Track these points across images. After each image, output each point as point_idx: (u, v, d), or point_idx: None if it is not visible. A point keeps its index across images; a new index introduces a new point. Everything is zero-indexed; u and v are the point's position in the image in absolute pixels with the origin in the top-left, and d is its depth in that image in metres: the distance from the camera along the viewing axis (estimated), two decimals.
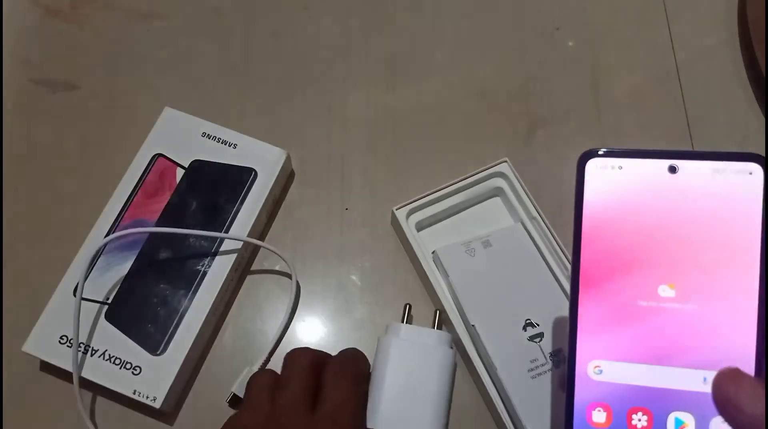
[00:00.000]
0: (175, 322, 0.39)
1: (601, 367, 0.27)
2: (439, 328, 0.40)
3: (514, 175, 0.43)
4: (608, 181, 0.27)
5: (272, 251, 0.41)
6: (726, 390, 0.24)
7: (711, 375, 0.25)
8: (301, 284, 0.43)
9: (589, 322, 0.27)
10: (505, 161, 0.43)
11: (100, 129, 0.48)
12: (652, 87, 0.49)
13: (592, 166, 0.27)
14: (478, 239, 0.41)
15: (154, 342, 0.39)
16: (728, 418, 0.24)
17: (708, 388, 0.25)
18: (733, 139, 0.47)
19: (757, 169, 0.26)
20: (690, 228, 0.26)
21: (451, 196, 0.43)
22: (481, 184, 0.43)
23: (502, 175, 0.43)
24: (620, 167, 0.27)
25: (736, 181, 0.26)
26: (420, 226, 0.43)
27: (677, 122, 0.48)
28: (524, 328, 0.39)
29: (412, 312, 0.41)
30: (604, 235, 0.27)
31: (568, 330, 0.27)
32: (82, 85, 0.49)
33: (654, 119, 0.48)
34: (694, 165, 0.27)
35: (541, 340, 0.38)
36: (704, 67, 0.50)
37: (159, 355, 0.39)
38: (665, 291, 0.26)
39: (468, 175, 0.43)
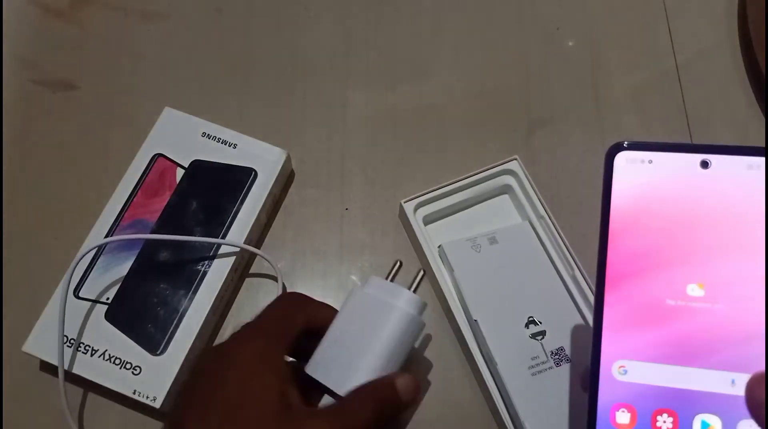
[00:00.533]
0: (175, 322, 0.39)
1: (626, 368, 0.26)
2: (415, 290, 0.35)
3: (524, 172, 0.43)
4: (637, 175, 0.26)
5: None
6: (760, 394, 0.24)
7: (739, 377, 0.25)
8: (300, 284, 0.43)
9: (615, 320, 0.26)
10: (515, 159, 0.43)
11: (100, 129, 0.48)
12: (652, 87, 0.49)
13: (621, 159, 0.26)
14: (484, 235, 0.41)
15: (154, 342, 0.39)
16: (762, 423, 0.24)
17: (736, 391, 0.25)
18: (733, 139, 0.47)
19: None
20: (721, 225, 0.25)
21: (459, 191, 0.43)
22: (490, 181, 0.44)
23: (511, 172, 0.43)
24: (650, 161, 0.26)
25: None
26: (427, 221, 0.43)
27: (677, 122, 0.48)
28: (526, 326, 0.39)
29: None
30: (632, 232, 0.26)
31: (592, 328, 0.26)
32: (82, 85, 0.49)
33: (654, 119, 0.48)
34: (728, 160, 0.26)
35: (543, 338, 0.38)
36: (704, 67, 0.50)
37: (159, 355, 0.38)
38: (694, 290, 0.26)
39: (477, 171, 0.43)
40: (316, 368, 0.32)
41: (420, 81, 0.49)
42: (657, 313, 0.26)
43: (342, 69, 0.50)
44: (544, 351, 0.38)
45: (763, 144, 0.47)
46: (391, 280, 0.36)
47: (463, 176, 0.43)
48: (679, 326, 0.26)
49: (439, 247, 0.42)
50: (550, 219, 0.42)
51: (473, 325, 0.39)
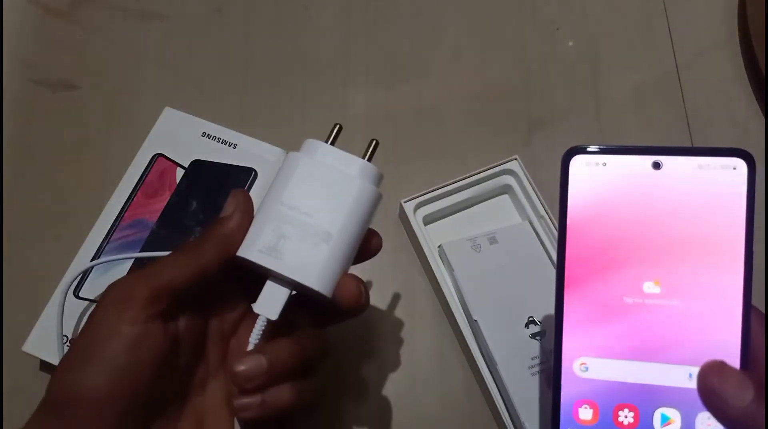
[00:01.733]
0: None
1: (587, 364, 0.27)
2: (370, 160, 0.31)
3: (524, 172, 0.43)
4: (592, 177, 0.27)
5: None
6: (711, 382, 0.25)
7: (696, 371, 0.25)
8: None
9: (575, 319, 0.27)
10: (515, 159, 0.43)
11: (100, 129, 0.48)
12: (652, 87, 0.49)
13: (577, 162, 0.27)
14: (484, 235, 0.41)
15: None
16: (714, 411, 0.24)
17: (693, 384, 0.25)
18: (733, 139, 0.47)
19: (740, 164, 0.26)
20: (675, 224, 0.26)
21: (459, 191, 0.43)
22: (490, 181, 0.44)
23: (511, 172, 0.43)
24: (604, 164, 0.27)
25: (720, 176, 0.26)
26: (427, 221, 0.43)
27: (677, 122, 0.48)
28: (526, 326, 0.39)
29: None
30: (588, 232, 0.27)
31: (554, 328, 0.27)
32: (82, 85, 0.49)
33: (654, 119, 0.48)
34: (679, 161, 0.26)
35: (542, 338, 0.38)
36: (704, 67, 0.50)
37: None
38: (650, 287, 0.26)
39: (477, 171, 0.43)
40: (262, 255, 0.27)
41: (420, 81, 0.49)
42: (615, 310, 0.26)
43: (342, 69, 0.50)
44: (544, 351, 0.38)
45: (763, 144, 0.47)
46: (332, 145, 0.31)
47: (463, 176, 0.43)
48: (638, 323, 0.26)
49: (439, 247, 0.42)
50: (550, 219, 0.42)
51: (473, 325, 0.39)
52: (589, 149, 0.27)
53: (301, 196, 0.28)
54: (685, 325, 0.26)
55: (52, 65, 0.50)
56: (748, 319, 0.25)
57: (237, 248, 0.28)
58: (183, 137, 0.44)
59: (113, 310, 0.26)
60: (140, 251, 0.41)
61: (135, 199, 0.43)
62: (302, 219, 0.28)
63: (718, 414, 0.24)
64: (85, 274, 0.41)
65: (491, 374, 0.38)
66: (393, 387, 0.41)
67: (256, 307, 0.28)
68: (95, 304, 0.28)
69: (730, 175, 0.26)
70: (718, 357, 0.25)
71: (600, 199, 0.27)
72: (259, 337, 0.28)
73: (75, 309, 0.40)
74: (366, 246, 0.30)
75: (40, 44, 0.50)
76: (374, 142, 0.31)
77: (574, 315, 0.27)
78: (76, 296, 0.40)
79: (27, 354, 0.39)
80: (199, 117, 0.45)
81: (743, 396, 0.23)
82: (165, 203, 0.42)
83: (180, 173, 0.43)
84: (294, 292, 0.29)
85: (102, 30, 0.51)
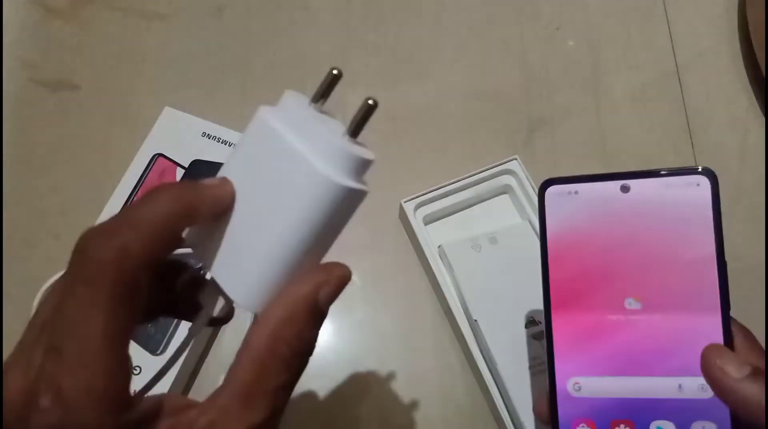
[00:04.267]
0: (175, 322, 0.39)
1: (580, 384, 0.28)
2: (356, 134, 0.21)
3: (524, 172, 0.43)
4: (567, 206, 0.29)
5: None
6: (713, 358, 0.26)
7: (685, 381, 0.26)
8: None
9: (565, 341, 0.28)
10: (515, 159, 0.43)
11: (100, 129, 0.48)
12: (652, 87, 0.49)
13: (551, 193, 0.29)
14: (484, 235, 0.41)
15: (154, 342, 0.39)
16: (713, 381, 0.25)
17: (684, 394, 0.26)
18: (734, 139, 0.47)
19: (703, 181, 0.27)
20: (648, 241, 0.27)
21: (459, 191, 0.43)
22: (490, 181, 0.44)
23: (511, 172, 0.44)
24: (576, 192, 0.29)
25: (685, 194, 0.27)
26: (427, 221, 0.43)
27: (677, 122, 0.48)
28: (526, 326, 0.39)
29: None
30: (569, 257, 0.28)
31: (545, 351, 0.28)
32: (82, 85, 0.49)
33: (654, 119, 0.48)
34: (645, 183, 0.28)
35: (542, 338, 0.38)
36: (704, 67, 0.50)
37: (159, 355, 0.38)
38: (632, 304, 0.27)
39: (477, 171, 0.43)
40: (213, 263, 0.21)
41: (420, 81, 0.49)
42: (602, 329, 0.28)
43: (342, 69, 0.50)
44: (544, 351, 0.38)
45: (763, 144, 0.47)
46: (321, 102, 0.22)
47: (463, 176, 0.43)
48: (624, 339, 0.27)
49: (439, 247, 0.42)
50: None
51: (473, 325, 0.39)
52: (559, 179, 0.29)
53: (242, 180, 0.21)
54: (669, 336, 0.27)
55: (52, 65, 0.50)
56: (728, 323, 0.26)
57: (228, 210, 0.21)
58: (183, 137, 0.44)
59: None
60: None
61: (135, 198, 0.43)
62: (239, 209, 0.21)
63: (717, 384, 0.25)
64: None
65: (491, 374, 0.38)
66: (393, 387, 0.41)
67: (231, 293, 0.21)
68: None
69: (694, 192, 0.27)
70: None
71: (576, 225, 0.28)
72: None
73: None
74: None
75: (40, 44, 0.50)
76: (369, 102, 0.21)
77: (563, 337, 0.28)
78: None
79: None
80: (199, 117, 0.45)
81: (741, 370, 0.25)
82: None
83: (180, 173, 0.43)
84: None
85: (102, 30, 0.51)
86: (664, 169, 0.28)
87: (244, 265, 0.21)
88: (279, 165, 0.20)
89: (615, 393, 0.27)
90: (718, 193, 0.27)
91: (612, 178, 0.28)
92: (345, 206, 0.21)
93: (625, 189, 0.28)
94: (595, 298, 0.28)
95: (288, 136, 0.20)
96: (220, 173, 0.22)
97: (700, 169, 0.27)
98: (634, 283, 0.27)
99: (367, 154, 0.21)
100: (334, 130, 0.21)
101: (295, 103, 0.22)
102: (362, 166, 0.21)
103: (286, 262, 0.20)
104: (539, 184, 0.29)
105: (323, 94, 0.22)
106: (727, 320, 0.26)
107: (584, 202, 0.28)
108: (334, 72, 0.22)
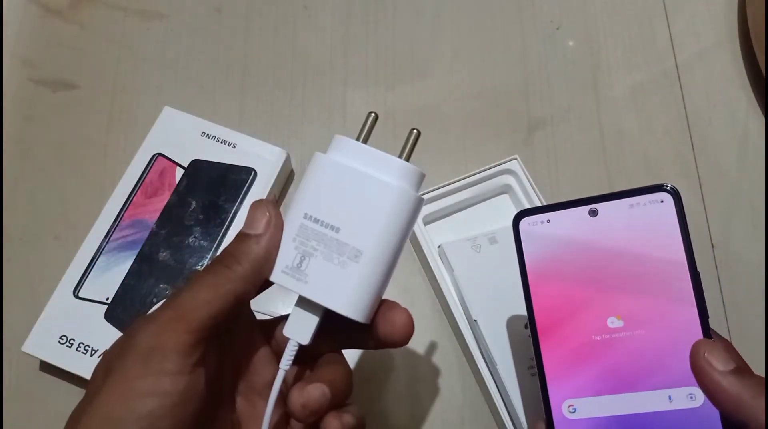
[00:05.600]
0: None
1: (574, 406, 0.28)
2: (408, 158, 0.27)
3: (524, 172, 0.43)
4: (541, 235, 0.30)
5: None
6: (701, 351, 0.26)
7: (675, 392, 0.27)
8: None
9: (555, 365, 0.29)
10: (515, 159, 0.43)
11: (100, 129, 0.48)
12: (652, 87, 0.49)
13: (525, 224, 0.30)
14: (484, 235, 0.41)
15: None
16: (700, 374, 0.26)
17: (675, 405, 0.27)
18: (733, 139, 0.47)
19: (666, 197, 0.28)
20: (621, 261, 0.28)
21: (459, 191, 0.43)
22: (490, 181, 0.44)
23: (511, 172, 0.43)
24: (548, 221, 0.30)
25: (651, 211, 0.28)
26: (427, 221, 0.43)
27: (677, 122, 0.48)
28: (526, 326, 0.39)
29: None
30: (549, 284, 0.29)
31: (538, 377, 0.29)
32: (82, 85, 0.49)
33: (654, 119, 0.48)
34: (611, 205, 0.29)
35: None
36: (704, 66, 0.50)
37: None
38: (614, 322, 0.28)
39: (477, 171, 0.43)
40: (284, 274, 0.25)
41: (420, 81, 0.49)
42: (588, 349, 0.28)
43: (342, 69, 0.50)
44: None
45: (763, 144, 0.47)
46: (365, 141, 0.27)
47: (463, 176, 0.43)
48: (611, 357, 0.28)
49: (439, 247, 0.42)
50: None
51: (473, 325, 0.39)
52: (532, 211, 0.30)
53: (327, 207, 0.25)
54: (654, 351, 0.28)
55: (52, 65, 0.50)
56: (708, 332, 0.27)
57: (272, 269, 0.25)
58: (182, 137, 0.44)
59: (146, 363, 0.22)
60: (139, 250, 0.41)
61: (134, 198, 0.43)
62: (328, 234, 0.25)
63: (701, 374, 0.26)
64: (84, 273, 0.41)
65: (491, 374, 0.38)
66: (393, 387, 0.41)
67: (286, 330, 0.26)
68: (109, 353, 0.24)
69: (659, 209, 0.28)
70: (689, 372, 0.27)
71: (552, 252, 0.29)
72: (290, 362, 0.26)
73: (75, 309, 0.40)
74: (384, 324, 0.26)
75: (40, 44, 0.50)
76: (414, 132, 0.27)
77: (553, 362, 0.29)
78: (76, 296, 0.40)
79: (27, 354, 0.39)
80: (198, 117, 0.45)
81: (726, 364, 0.25)
82: (165, 203, 0.42)
83: (180, 173, 0.43)
84: (323, 316, 0.26)
85: (102, 30, 0.51)
86: (627, 190, 0.29)
87: (339, 282, 0.25)
88: (358, 191, 0.25)
89: (610, 411, 0.27)
90: (683, 208, 0.28)
91: (580, 204, 0.29)
92: (416, 213, 0.26)
93: (593, 213, 0.29)
94: (579, 320, 0.29)
95: (359, 167, 0.25)
96: (294, 212, 0.26)
97: (662, 187, 0.28)
98: (614, 302, 0.28)
99: (421, 170, 0.27)
100: (390, 157, 0.26)
101: (347, 143, 0.26)
102: (421, 180, 0.27)
103: (378, 270, 0.25)
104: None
105: (367, 134, 0.27)
106: (706, 328, 0.27)
107: (557, 230, 0.29)
108: (372, 115, 0.28)
